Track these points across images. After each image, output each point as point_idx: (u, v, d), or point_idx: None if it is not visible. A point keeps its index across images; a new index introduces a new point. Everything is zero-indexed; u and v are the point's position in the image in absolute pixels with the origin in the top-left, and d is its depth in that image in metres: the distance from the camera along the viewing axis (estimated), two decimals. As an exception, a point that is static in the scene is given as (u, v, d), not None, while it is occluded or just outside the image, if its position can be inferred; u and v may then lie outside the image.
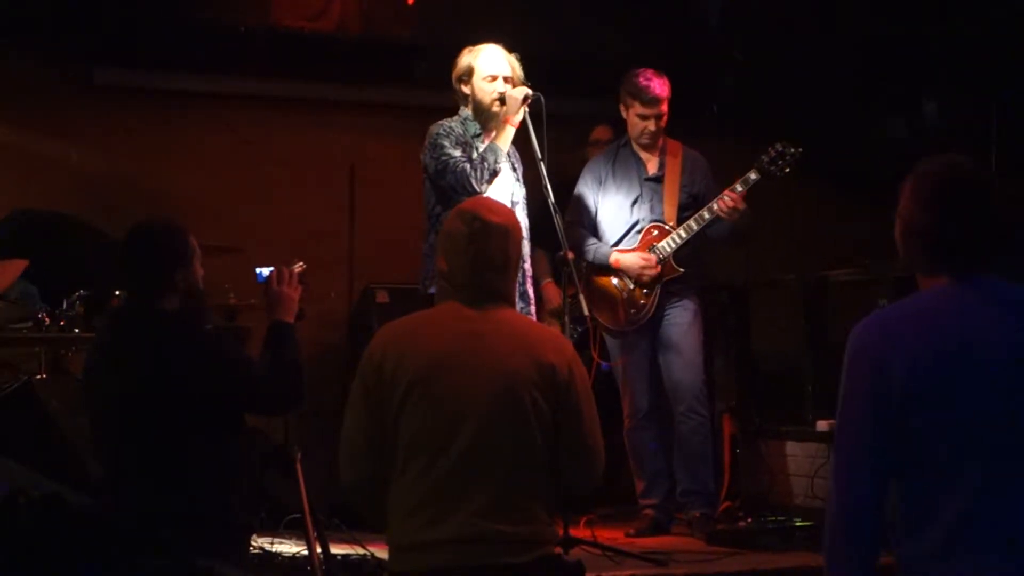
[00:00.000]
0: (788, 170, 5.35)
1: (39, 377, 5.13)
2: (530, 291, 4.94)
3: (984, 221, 2.44)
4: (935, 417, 2.29)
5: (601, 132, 6.49)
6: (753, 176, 5.34)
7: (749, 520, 5.60)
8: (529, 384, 3.02)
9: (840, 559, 2.37)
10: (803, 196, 7.18)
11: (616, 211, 5.53)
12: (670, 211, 5.47)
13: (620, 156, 5.59)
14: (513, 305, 3.28)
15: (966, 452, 2.28)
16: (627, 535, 5.35)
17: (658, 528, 5.43)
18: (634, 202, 5.51)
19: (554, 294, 5.64)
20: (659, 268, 5.38)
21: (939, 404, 2.29)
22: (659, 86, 5.40)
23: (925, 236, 2.45)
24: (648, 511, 5.49)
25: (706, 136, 6.29)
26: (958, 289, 2.40)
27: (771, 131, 5.51)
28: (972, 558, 2.26)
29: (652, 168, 5.55)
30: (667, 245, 5.40)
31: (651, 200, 5.50)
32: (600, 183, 5.56)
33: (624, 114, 5.54)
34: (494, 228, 3.15)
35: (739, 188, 5.31)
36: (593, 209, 5.57)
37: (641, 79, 5.41)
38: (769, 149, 5.37)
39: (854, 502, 2.34)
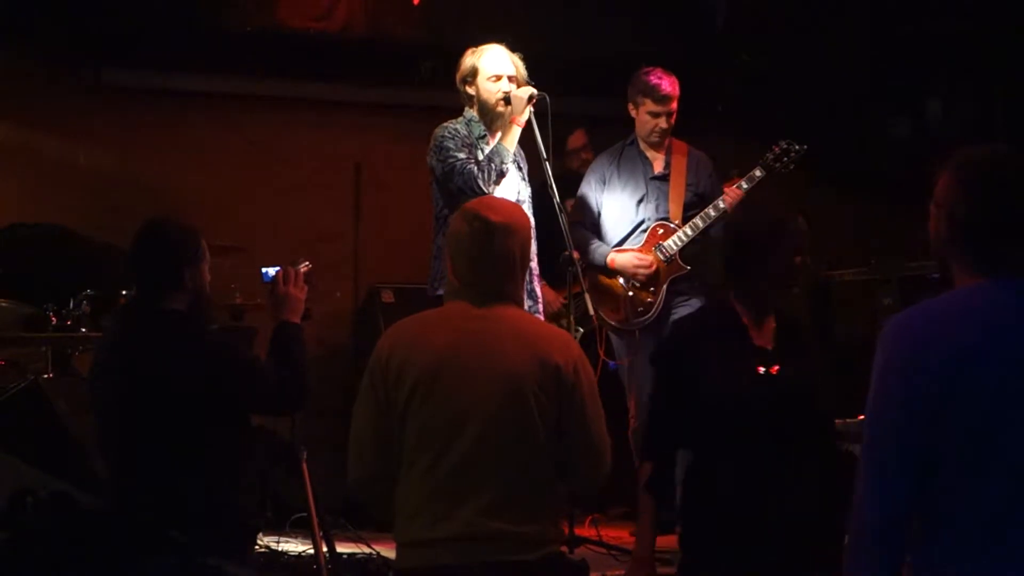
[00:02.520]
0: (793, 167, 5.37)
1: (46, 376, 5.15)
2: (537, 289, 4.95)
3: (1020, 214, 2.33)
4: (970, 419, 2.22)
5: (576, 139, 6.52)
6: (758, 173, 5.35)
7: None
8: (534, 383, 3.04)
9: (868, 562, 2.28)
10: (807, 195, 7.18)
11: (621, 210, 5.53)
12: (675, 210, 5.48)
13: (625, 155, 5.60)
14: (520, 304, 3.28)
15: (1000, 456, 2.21)
16: (632, 534, 5.35)
17: (663, 527, 5.42)
18: (640, 201, 5.51)
19: (551, 297, 5.65)
20: (654, 267, 5.38)
21: (975, 406, 2.22)
22: (670, 84, 5.42)
23: (968, 228, 2.34)
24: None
25: (711, 135, 6.30)
26: (1001, 287, 2.30)
27: (776, 131, 5.51)
28: (1001, 564, 2.21)
29: (658, 167, 5.55)
30: (673, 243, 5.40)
31: (657, 199, 5.51)
32: (604, 182, 5.57)
33: (633, 113, 5.54)
34: (497, 227, 3.16)
35: (744, 185, 5.33)
36: (596, 208, 5.57)
37: (652, 77, 5.43)
38: (773, 147, 5.38)
39: (889, 507, 2.26)
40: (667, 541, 5.21)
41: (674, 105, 5.45)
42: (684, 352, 3.42)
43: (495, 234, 3.15)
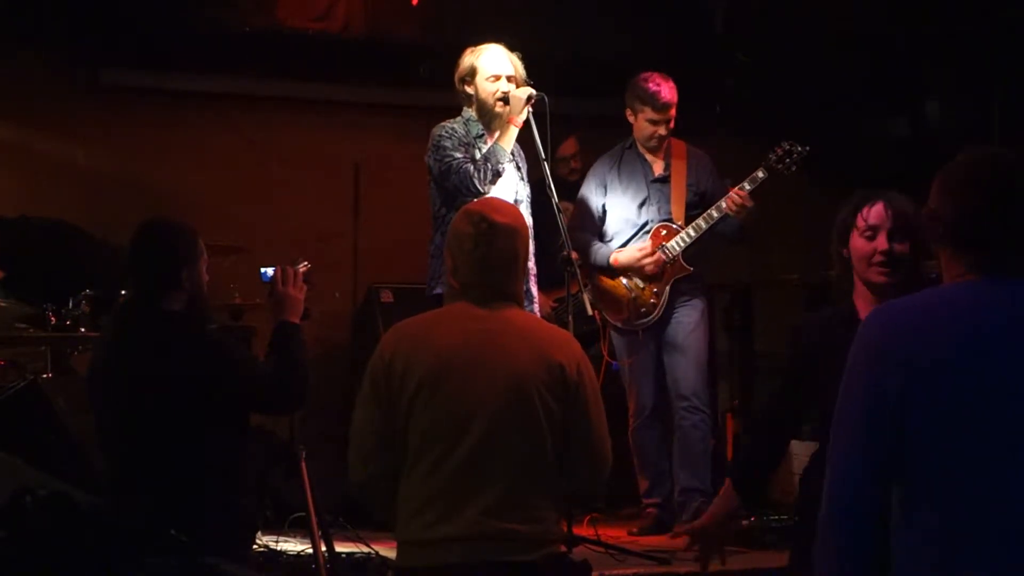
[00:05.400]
0: (795, 168, 5.38)
1: (45, 376, 5.16)
2: (534, 290, 4.95)
3: (1017, 216, 2.29)
4: (932, 419, 2.19)
5: (568, 147, 6.54)
6: (761, 175, 5.36)
7: (752, 519, 5.61)
8: (538, 383, 3.04)
9: (832, 552, 2.26)
10: (805, 196, 7.20)
11: (623, 214, 5.54)
12: (678, 211, 5.49)
13: (625, 158, 5.60)
14: (521, 304, 3.29)
15: (966, 458, 2.18)
16: (630, 533, 5.36)
17: (661, 527, 5.44)
18: (641, 204, 5.52)
19: (540, 300, 5.66)
20: (659, 256, 5.40)
21: (937, 405, 2.19)
22: (668, 91, 5.42)
23: (952, 228, 2.31)
24: (651, 510, 5.50)
25: (709, 135, 6.31)
26: (984, 287, 2.27)
27: (774, 131, 5.53)
28: (966, 570, 2.20)
29: (658, 169, 5.56)
30: (676, 244, 5.41)
31: (658, 201, 5.51)
32: (605, 187, 5.58)
33: (631, 119, 5.54)
34: (501, 228, 3.17)
35: (747, 186, 5.34)
36: (598, 213, 5.58)
37: (651, 85, 5.42)
38: (776, 148, 5.39)
39: (848, 495, 2.25)
40: (668, 540, 5.25)
41: (673, 112, 5.46)
42: (811, 358, 3.32)
43: (500, 235, 3.16)
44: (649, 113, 5.45)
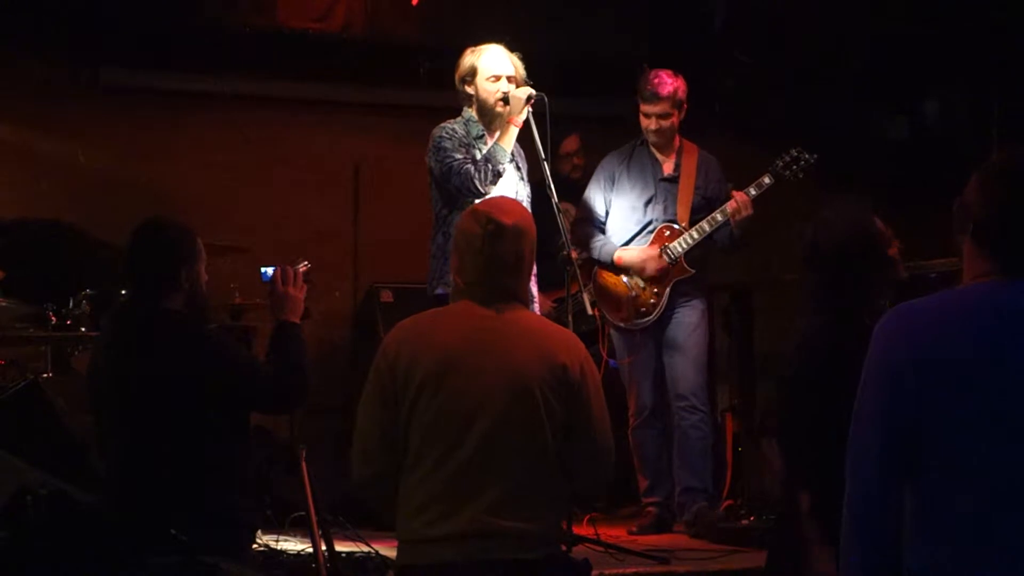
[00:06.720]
0: (802, 175, 5.38)
1: (45, 376, 5.16)
2: (533, 289, 4.95)
3: None
4: (943, 419, 2.21)
5: (570, 144, 6.55)
6: (767, 180, 5.37)
7: (751, 518, 5.62)
8: (541, 383, 3.04)
9: (851, 556, 2.30)
10: (805, 196, 7.20)
11: (629, 210, 5.54)
12: (683, 212, 5.48)
13: (636, 155, 5.60)
14: (526, 304, 3.30)
15: (974, 459, 2.19)
16: (630, 533, 5.37)
17: (661, 526, 5.45)
18: (648, 202, 5.51)
19: (541, 301, 5.66)
20: (663, 260, 5.40)
21: (954, 406, 2.21)
22: (660, 85, 5.40)
23: (980, 225, 2.32)
24: (651, 509, 5.50)
25: (709, 135, 6.30)
26: (1003, 288, 2.27)
27: (773, 131, 5.54)
28: (980, 570, 2.19)
29: (668, 168, 5.55)
30: (679, 245, 5.41)
31: (665, 200, 5.51)
32: (613, 181, 5.57)
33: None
34: (508, 229, 3.17)
35: (752, 192, 5.33)
36: (604, 207, 5.58)
37: (650, 76, 5.44)
38: (783, 154, 5.39)
39: (862, 497, 2.28)
40: (668, 539, 5.26)
41: (664, 107, 5.42)
42: (828, 375, 3.31)
43: (507, 236, 3.17)
44: (642, 106, 5.47)
